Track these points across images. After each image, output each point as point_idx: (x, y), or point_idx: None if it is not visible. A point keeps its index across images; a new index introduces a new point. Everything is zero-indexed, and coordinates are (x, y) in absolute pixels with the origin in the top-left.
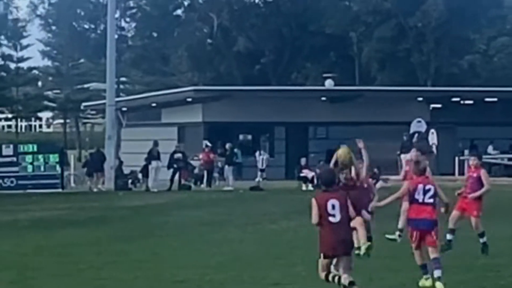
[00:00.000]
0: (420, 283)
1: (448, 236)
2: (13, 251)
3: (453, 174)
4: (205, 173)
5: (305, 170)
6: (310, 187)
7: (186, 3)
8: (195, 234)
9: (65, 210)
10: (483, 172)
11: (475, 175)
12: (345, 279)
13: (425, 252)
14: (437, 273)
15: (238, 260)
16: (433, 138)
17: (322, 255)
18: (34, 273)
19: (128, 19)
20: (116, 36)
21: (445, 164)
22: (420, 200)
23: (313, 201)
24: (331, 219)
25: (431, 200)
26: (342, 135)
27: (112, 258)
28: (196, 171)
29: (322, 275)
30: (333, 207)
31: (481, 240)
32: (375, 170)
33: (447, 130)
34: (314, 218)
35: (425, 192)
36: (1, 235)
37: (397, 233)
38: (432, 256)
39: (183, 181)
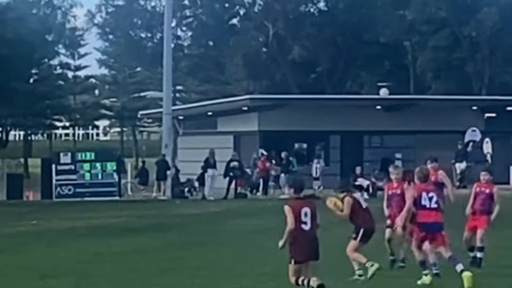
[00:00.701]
0: (420, 282)
1: (471, 254)
2: (72, 258)
3: (508, 183)
4: (261, 181)
5: (360, 178)
6: (365, 195)
7: (241, 12)
8: (251, 242)
9: (122, 217)
10: (496, 190)
11: (487, 191)
12: (314, 282)
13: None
14: (459, 267)
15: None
16: (487, 147)
17: (293, 260)
18: (92, 280)
19: (184, 28)
20: (172, 45)
21: (499, 173)
22: (427, 206)
23: (287, 207)
24: (303, 226)
25: (436, 205)
26: (396, 144)
27: (169, 265)
28: (252, 179)
29: (293, 279)
30: (306, 214)
31: (478, 255)
32: None
33: (501, 139)
34: (292, 223)
35: (430, 198)
36: (60, 242)
37: None
38: (447, 255)
39: (239, 190)
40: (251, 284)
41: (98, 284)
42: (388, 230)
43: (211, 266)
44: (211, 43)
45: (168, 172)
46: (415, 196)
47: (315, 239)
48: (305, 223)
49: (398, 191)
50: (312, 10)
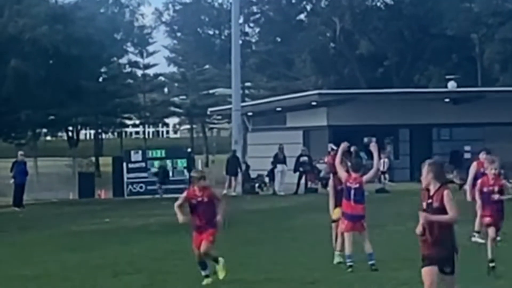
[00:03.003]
0: None
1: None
2: (145, 255)
3: None
4: (331, 176)
5: None
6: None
7: (308, 8)
8: (322, 236)
9: None
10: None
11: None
12: None
13: None
14: None
15: (365, 261)
16: None
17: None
18: (165, 277)
19: (251, 25)
20: (240, 42)
21: None
22: None
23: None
24: None
25: None
26: (465, 137)
27: (242, 261)
28: (322, 174)
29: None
30: None
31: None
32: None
33: None
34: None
35: None
36: (133, 240)
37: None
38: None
39: (309, 184)
40: (325, 277)
41: (172, 281)
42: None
43: (284, 260)
44: (278, 39)
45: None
46: None
47: None
48: None
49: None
50: (378, 4)
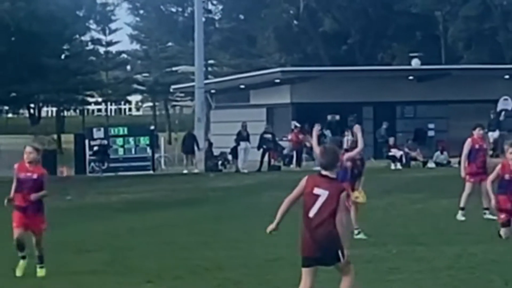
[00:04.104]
0: None
1: None
2: (107, 233)
3: None
4: (295, 153)
5: (393, 149)
6: (399, 166)
7: None
8: (286, 214)
9: (156, 192)
10: None
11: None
12: None
13: None
14: None
15: None
16: None
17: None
18: (127, 254)
19: (215, 2)
20: (203, 19)
21: None
22: None
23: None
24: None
25: None
26: (429, 114)
27: (205, 238)
28: (285, 151)
29: None
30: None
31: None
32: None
33: None
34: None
35: None
36: (95, 217)
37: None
38: None
39: (272, 162)
40: (288, 255)
41: (134, 258)
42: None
43: (247, 238)
44: (242, 17)
45: (201, 147)
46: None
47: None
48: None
49: None
50: None
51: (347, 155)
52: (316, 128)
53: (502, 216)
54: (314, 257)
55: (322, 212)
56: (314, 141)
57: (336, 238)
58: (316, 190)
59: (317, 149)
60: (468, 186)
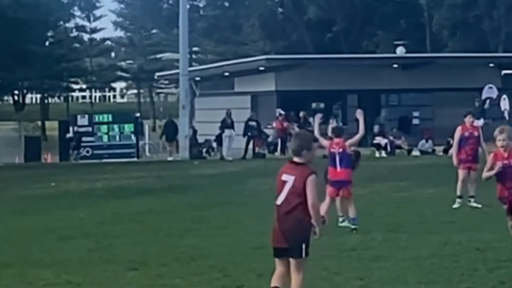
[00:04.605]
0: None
1: None
2: (91, 220)
3: None
4: (279, 141)
5: (378, 137)
6: (383, 154)
7: None
8: (271, 201)
9: (141, 179)
10: None
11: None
12: None
13: None
14: None
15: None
16: (505, 104)
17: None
18: (112, 241)
19: None
20: (188, 6)
21: None
22: None
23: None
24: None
25: None
26: (414, 102)
27: (189, 226)
28: (270, 139)
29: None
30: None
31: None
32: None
33: None
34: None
35: None
36: (79, 204)
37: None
38: None
39: (257, 150)
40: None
41: (118, 245)
42: None
43: (232, 225)
44: (226, 4)
45: (181, 134)
46: None
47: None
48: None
49: None
50: None
51: (349, 141)
52: (318, 116)
53: (505, 206)
54: (282, 248)
55: (289, 199)
56: (316, 129)
57: (304, 231)
58: (284, 177)
59: (319, 137)
60: (460, 173)
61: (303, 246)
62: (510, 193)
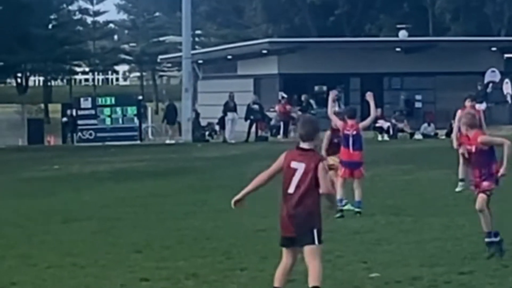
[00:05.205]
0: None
1: None
2: (94, 202)
3: None
4: (282, 124)
5: (380, 120)
6: (386, 137)
7: None
8: (273, 185)
9: (144, 161)
10: None
11: None
12: None
13: None
14: None
15: None
16: (507, 87)
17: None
18: (115, 223)
19: None
20: None
21: None
22: None
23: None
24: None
25: None
26: (416, 86)
27: (192, 208)
28: (272, 122)
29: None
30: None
31: None
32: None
33: None
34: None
35: None
36: (82, 186)
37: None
38: None
39: (260, 133)
40: (275, 225)
41: (121, 228)
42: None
43: (235, 208)
44: None
45: (184, 117)
46: None
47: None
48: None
49: None
50: None
51: (363, 123)
52: (333, 93)
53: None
54: (290, 237)
55: (301, 186)
56: (329, 107)
57: (316, 218)
58: (293, 164)
59: (332, 115)
60: (461, 157)
61: (315, 232)
62: (476, 177)
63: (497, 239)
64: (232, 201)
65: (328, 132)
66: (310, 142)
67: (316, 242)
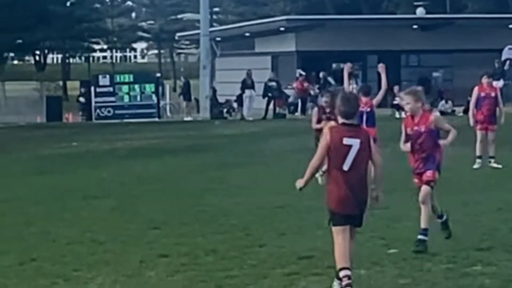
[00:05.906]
0: None
1: None
2: (113, 179)
3: None
4: (300, 101)
5: (398, 97)
6: (403, 114)
7: None
8: (291, 161)
9: (162, 139)
10: None
11: None
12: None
13: None
14: None
15: None
16: None
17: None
18: (133, 201)
19: None
20: None
21: None
22: None
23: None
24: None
25: None
26: (434, 63)
27: (211, 185)
28: (290, 99)
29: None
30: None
31: None
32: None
33: None
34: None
35: None
36: (101, 164)
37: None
38: None
39: (277, 110)
40: (294, 202)
41: (139, 205)
42: None
43: (252, 185)
44: None
45: (206, 94)
46: None
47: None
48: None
49: None
50: None
51: (376, 99)
52: (348, 66)
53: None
54: (355, 215)
55: (358, 163)
56: (345, 80)
57: (367, 198)
58: (346, 141)
59: (348, 88)
60: (478, 134)
61: (364, 215)
62: (418, 166)
63: (443, 219)
64: (298, 186)
65: None
66: (354, 119)
67: (362, 224)
